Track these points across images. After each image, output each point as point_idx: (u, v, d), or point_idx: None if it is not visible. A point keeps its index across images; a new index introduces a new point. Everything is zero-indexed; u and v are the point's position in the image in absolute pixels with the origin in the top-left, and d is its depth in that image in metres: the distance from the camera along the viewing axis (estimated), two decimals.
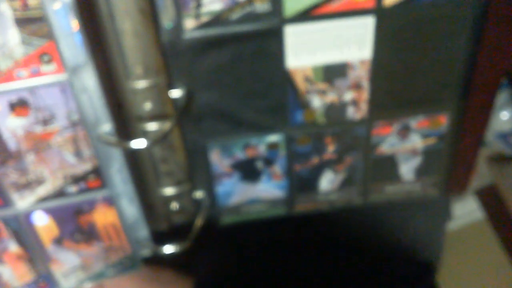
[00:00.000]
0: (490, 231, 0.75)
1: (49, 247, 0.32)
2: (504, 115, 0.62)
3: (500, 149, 0.71)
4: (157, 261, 0.36)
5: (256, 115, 0.31)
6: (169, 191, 0.33)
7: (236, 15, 0.27)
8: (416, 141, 0.34)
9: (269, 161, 0.34)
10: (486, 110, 0.33)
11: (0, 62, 0.25)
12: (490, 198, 0.74)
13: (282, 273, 0.35)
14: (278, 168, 0.34)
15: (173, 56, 0.28)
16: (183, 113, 0.30)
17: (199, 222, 0.33)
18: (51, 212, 0.31)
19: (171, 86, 0.29)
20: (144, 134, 0.30)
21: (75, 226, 0.32)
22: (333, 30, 0.28)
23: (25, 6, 0.24)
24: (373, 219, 0.43)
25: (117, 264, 0.35)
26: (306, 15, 0.27)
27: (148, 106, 0.29)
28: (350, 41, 0.28)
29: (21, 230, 0.31)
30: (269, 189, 0.35)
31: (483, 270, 0.79)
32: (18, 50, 0.25)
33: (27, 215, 0.30)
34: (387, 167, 0.35)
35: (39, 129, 0.28)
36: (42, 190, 0.30)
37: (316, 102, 0.31)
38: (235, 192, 0.35)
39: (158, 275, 0.37)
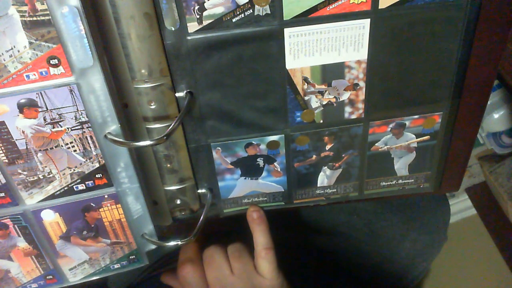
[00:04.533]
0: (481, 226, 0.76)
1: (57, 243, 0.33)
2: (495, 115, 0.63)
3: (491, 148, 0.72)
4: None
5: (256, 115, 0.32)
6: (173, 188, 0.34)
7: (237, 18, 0.28)
8: (410, 139, 0.35)
9: (269, 159, 0.34)
10: (478, 110, 0.34)
11: (9, 65, 0.26)
12: (481, 195, 0.75)
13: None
14: (277, 165, 0.35)
15: (177, 58, 0.29)
16: (186, 113, 0.30)
17: (202, 217, 0.34)
18: (59, 209, 0.31)
19: (174, 87, 0.30)
20: (149, 133, 0.30)
21: (82, 222, 0.32)
22: (330, 32, 0.29)
23: (33, 10, 0.24)
24: (374, 236, 0.44)
25: (123, 259, 0.35)
26: (304, 18, 0.28)
27: (152, 106, 0.30)
28: (347, 43, 0.29)
29: (30, 227, 0.32)
30: (269, 184, 0.36)
31: (475, 264, 0.80)
32: (26, 53, 0.25)
33: (36, 213, 0.31)
34: (382, 163, 0.36)
35: (47, 130, 0.28)
36: (50, 188, 0.31)
37: (315, 102, 0.32)
38: (237, 187, 0.36)
39: None
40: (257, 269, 0.34)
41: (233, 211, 0.37)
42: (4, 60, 0.25)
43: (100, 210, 0.32)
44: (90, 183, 0.31)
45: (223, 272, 0.33)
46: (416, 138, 0.35)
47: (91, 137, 0.29)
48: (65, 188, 0.31)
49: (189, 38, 0.28)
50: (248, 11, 0.27)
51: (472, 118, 0.34)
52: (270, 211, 0.36)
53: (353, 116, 0.33)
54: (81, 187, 0.31)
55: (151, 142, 0.28)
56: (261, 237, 0.34)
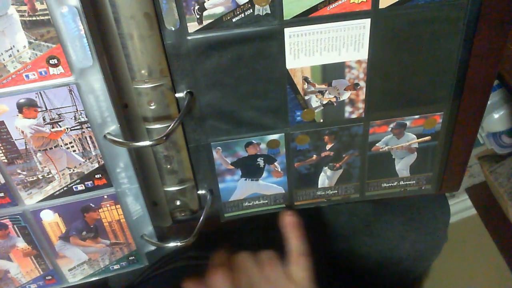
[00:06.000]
0: (481, 226, 0.76)
1: (56, 243, 0.33)
2: (495, 115, 0.63)
3: (491, 148, 0.72)
4: None
5: (256, 115, 0.32)
6: (172, 188, 0.34)
7: (237, 18, 0.27)
8: (411, 139, 0.35)
9: (269, 159, 0.34)
10: (478, 110, 0.34)
11: (9, 65, 0.26)
12: (481, 195, 0.75)
13: None
14: (278, 165, 0.35)
15: (177, 58, 0.29)
16: (186, 114, 0.30)
17: (202, 218, 0.34)
18: (58, 209, 0.31)
19: (174, 87, 0.30)
20: (149, 134, 0.30)
21: (81, 223, 0.32)
22: (331, 32, 0.29)
23: (33, 10, 0.24)
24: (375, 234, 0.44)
25: (122, 260, 0.35)
26: (305, 18, 0.28)
27: (152, 107, 0.30)
28: (347, 43, 0.29)
29: (29, 227, 0.32)
30: (269, 185, 0.36)
31: (475, 264, 0.80)
32: (26, 53, 0.25)
33: (35, 213, 0.31)
34: (383, 164, 0.36)
35: (47, 130, 0.28)
36: (50, 188, 0.30)
37: (315, 102, 0.32)
38: (237, 188, 0.36)
39: None
40: (290, 276, 0.33)
41: (234, 215, 0.37)
42: (4, 60, 0.25)
43: (99, 210, 0.32)
44: (89, 183, 0.31)
45: (256, 279, 0.33)
46: (417, 139, 0.35)
47: (90, 137, 0.29)
48: (65, 189, 0.31)
49: (189, 38, 0.28)
50: (248, 11, 0.27)
51: (472, 118, 0.34)
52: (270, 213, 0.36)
53: (354, 116, 0.33)
54: (81, 187, 0.31)
55: (151, 143, 0.28)
56: (296, 243, 0.33)
